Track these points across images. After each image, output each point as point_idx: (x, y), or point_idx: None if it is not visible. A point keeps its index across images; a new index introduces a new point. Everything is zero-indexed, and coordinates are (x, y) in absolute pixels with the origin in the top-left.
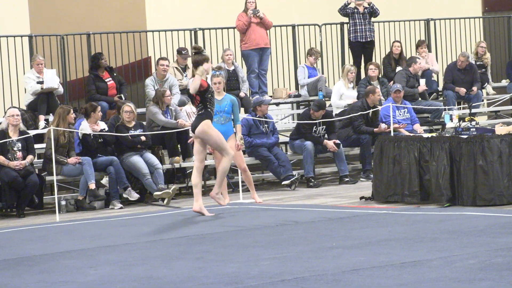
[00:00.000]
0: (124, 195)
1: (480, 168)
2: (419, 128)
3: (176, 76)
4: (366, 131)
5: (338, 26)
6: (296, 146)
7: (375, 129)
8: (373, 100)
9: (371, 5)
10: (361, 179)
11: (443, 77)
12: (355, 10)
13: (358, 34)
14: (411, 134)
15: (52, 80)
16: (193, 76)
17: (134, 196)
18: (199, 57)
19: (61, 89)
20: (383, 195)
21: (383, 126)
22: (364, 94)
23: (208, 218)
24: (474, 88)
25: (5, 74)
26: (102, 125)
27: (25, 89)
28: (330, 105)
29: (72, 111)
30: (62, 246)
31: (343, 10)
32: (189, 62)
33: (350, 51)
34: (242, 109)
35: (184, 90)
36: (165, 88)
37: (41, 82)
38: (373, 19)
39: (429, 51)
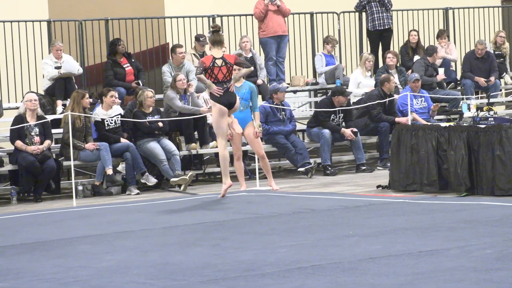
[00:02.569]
0: (142, 180)
1: (498, 158)
2: (435, 107)
3: (194, 63)
4: (387, 119)
5: (357, 14)
6: (314, 134)
7: (396, 119)
8: (389, 88)
9: None
10: (378, 167)
11: (461, 66)
12: None
13: (376, 22)
14: (429, 123)
15: (70, 65)
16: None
17: (152, 180)
18: (218, 37)
19: (81, 70)
20: (401, 184)
21: (403, 119)
22: (380, 82)
23: (225, 205)
24: (492, 78)
25: (24, 59)
26: (116, 110)
27: (43, 75)
28: None
29: (87, 96)
30: (78, 231)
31: (358, 7)
32: (207, 49)
33: (368, 39)
34: (259, 96)
35: None
36: (177, 73)
37: (59, 67)
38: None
39: (448, 40)
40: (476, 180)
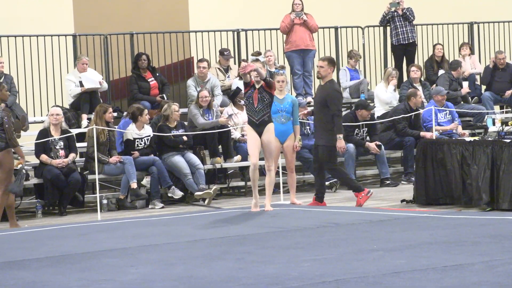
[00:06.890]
0: (169, 194)
1: None
2: (459, 128)
3: (219, 77)
4: (411, 134)
5: (381, 28)
6: None
7: (421, 133)
8: (416, 103)
9: (407, 8)
10: (402, 182)
11: (480, 79)
12: (395, 14)
13: (400, 36)
14: (453, 138)
15: (92, 80)
16: (237, 76)
17: (178, 194)
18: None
19: (105, 86)
20: (427, 198)
21: (428, 134)
22: (406, 97)
23: (249, 219)
24: (508, 92)
25: (49, 73)
26: (148, 130)
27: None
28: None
29: (110, 110)
30: (103, 245)
31: (383, 22)
32: (231, 63)
33: (392, 53)
34: None
35: (226, 91)
36: (200, 89)
37: (81, 85)
38: (416, 21)
39: (473, 53)
40: (497, 194)
